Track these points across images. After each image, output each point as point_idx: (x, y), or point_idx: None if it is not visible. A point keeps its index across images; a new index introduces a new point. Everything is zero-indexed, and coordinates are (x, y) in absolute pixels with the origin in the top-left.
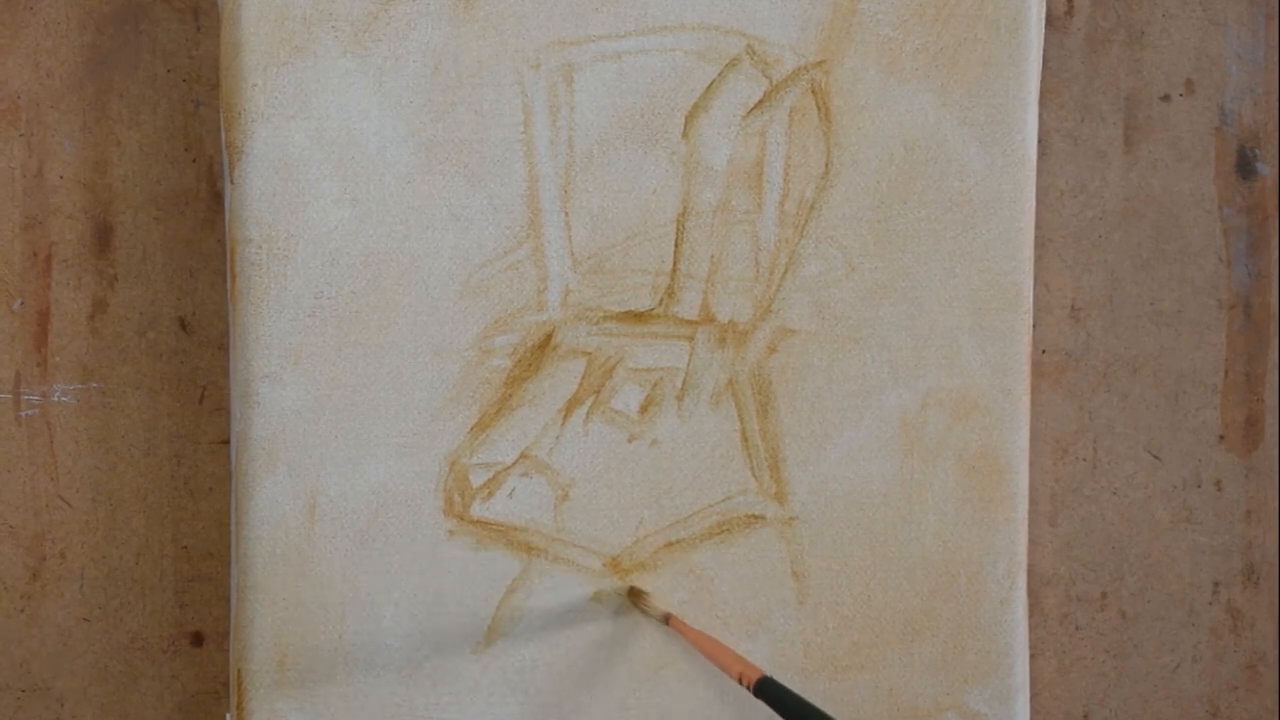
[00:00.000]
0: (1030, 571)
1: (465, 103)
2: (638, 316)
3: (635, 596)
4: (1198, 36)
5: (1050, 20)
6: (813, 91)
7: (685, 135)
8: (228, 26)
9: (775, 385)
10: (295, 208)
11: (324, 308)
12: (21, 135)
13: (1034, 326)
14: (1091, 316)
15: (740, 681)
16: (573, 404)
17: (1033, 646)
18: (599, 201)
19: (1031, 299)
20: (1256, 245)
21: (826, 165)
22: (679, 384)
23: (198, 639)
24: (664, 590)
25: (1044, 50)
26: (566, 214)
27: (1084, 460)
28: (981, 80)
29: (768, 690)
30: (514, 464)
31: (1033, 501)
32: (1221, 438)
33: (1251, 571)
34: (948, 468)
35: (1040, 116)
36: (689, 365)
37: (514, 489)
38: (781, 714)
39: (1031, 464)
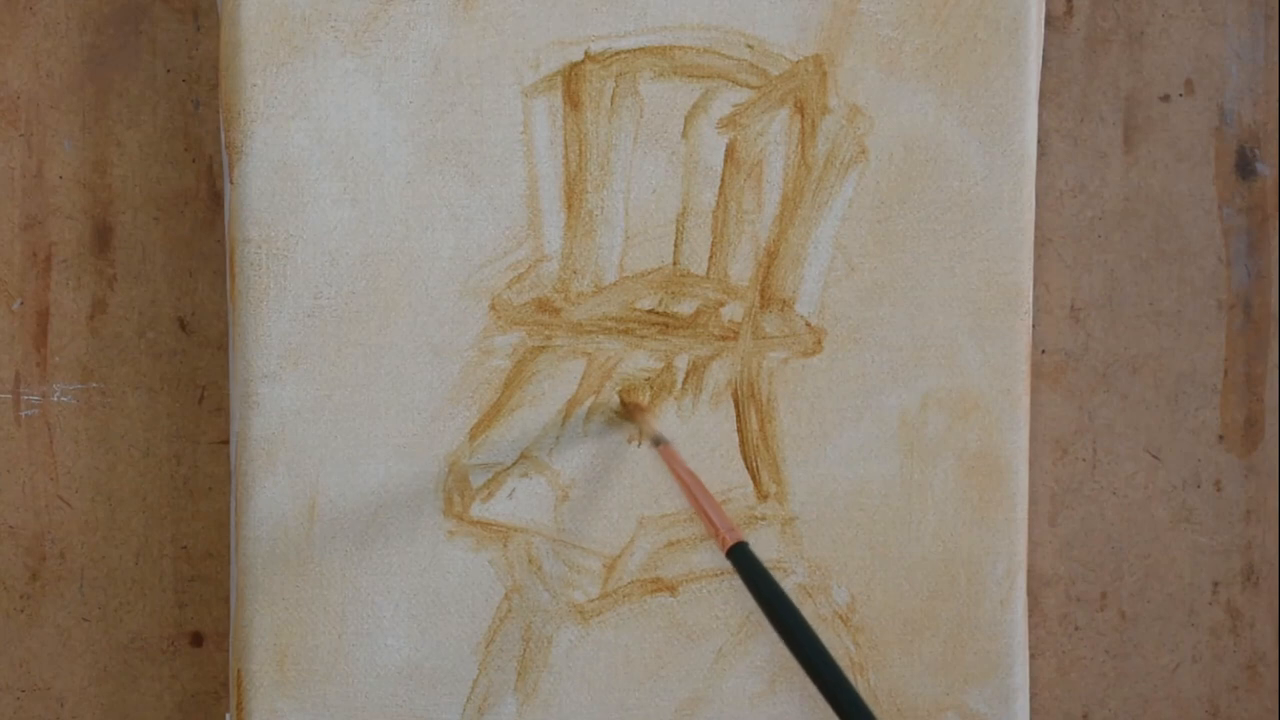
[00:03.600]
0: (1030, 571)
1: (465, 103)
2: (637, 317)
3: (631, 410)
4: (1198, 36)
5: (1050, 20)
6: (812, 91)
7: (685, 135)
8: (227, 26)
9: (775, 385)
10: (295, 208)
11: (323, 308)
12: (21, 135)
13: (1034, 326)
14: (1091, 316)
15: (716, 539)
16: (573, 405)
17: (1033, 646)
18: (599, 201)
19: (1031, 299)
20: (1256, 245)
21: (826, 165)
22: (679, 384)
23: (198, 639)
24: (664, 590)
25: (1044, 50)
26: (566, 214)
27: (1084, 460)
28: (981, 80)
29: (740, 557)
30: (514, 464)
31: (1033, 501)
32: (1221, 438)
33: (1251, 571)
34: (947, 468)
35: (1040, 116)
36: (688, 365)
37: (514, 489)
38: (747, 584)
39: (1031, 464)
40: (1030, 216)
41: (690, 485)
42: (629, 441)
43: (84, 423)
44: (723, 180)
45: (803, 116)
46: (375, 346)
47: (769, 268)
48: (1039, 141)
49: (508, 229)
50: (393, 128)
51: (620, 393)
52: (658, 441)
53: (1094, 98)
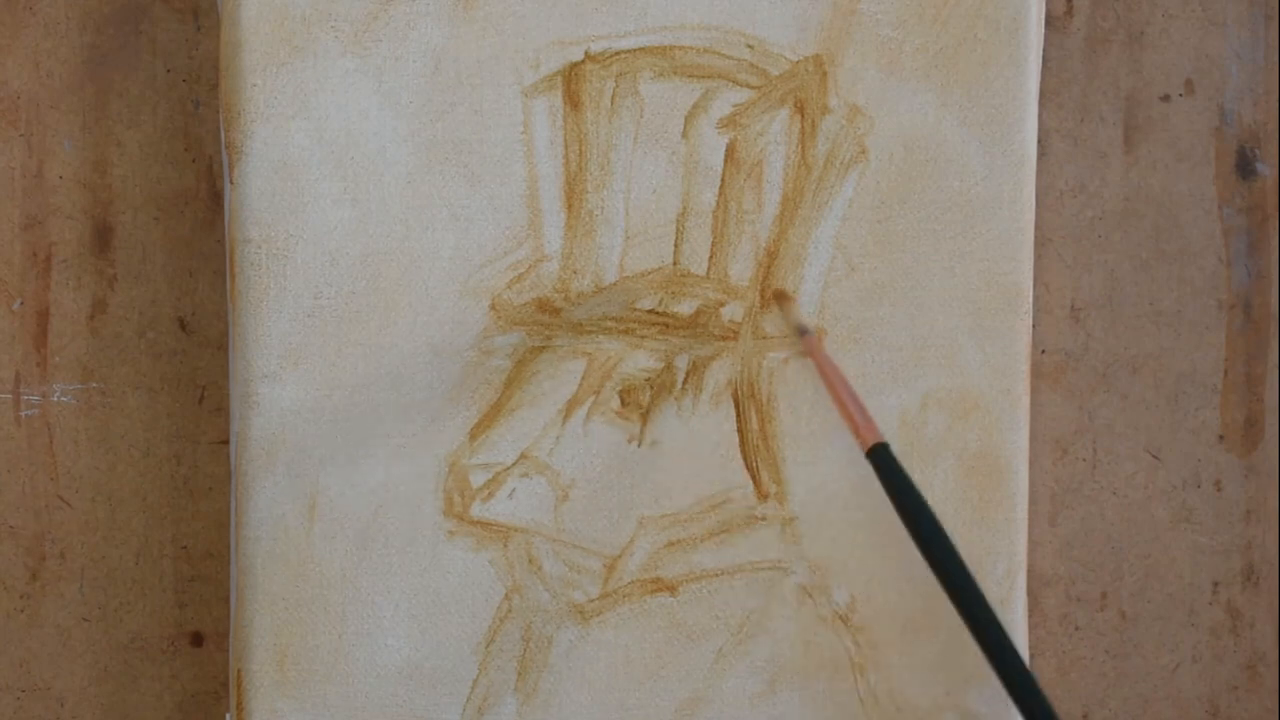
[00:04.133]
0: (1030, 571)
1: (465, 103)
2: (637, 317)
3: (781, 299)
4: (1198, 36)
5: (1050, 20)
6: (812, 91)
7: (685, 135)
8: (228, 26)
9: (775, 385)
10: (295, 208)
11: (324, 308)
12: (21, 135)
13: (1034, 326)
14: (1091, 316)
15: (856, 437)
16: (573, 405)
17: (1033, 646)
18: (599, 201)
19: (1031, 299)
20: (1256, 245)
21: (826, 165)
22: (679, 384)
23: (198, 639)
24: (664, 590)
25: (1044, 50)
26: (567, 214)
27: (1084, 460)
28: (981, 80)
29: (880, 457)
30: (514, 465)
31: (1033, 501)
32: (1221, 438)
33: (1251, 571)
34: (948, 468)
35: (1040, 116)
36: (688, 365)
37: (514, 490)
38: (885, 488)
39: (1031, 464)
40: (1030, 216)
41: (834, 380)
42: (629, 441)
43: (84, 423)
44: (723, 180)
45: (803, 116)
46: (375, 346)
47: (769, 268)
48: (1039, 141)
49: (508, 229)
50: (393, 128)
51: (774, 292)
52: (803, 331)
53: (1094, 98)
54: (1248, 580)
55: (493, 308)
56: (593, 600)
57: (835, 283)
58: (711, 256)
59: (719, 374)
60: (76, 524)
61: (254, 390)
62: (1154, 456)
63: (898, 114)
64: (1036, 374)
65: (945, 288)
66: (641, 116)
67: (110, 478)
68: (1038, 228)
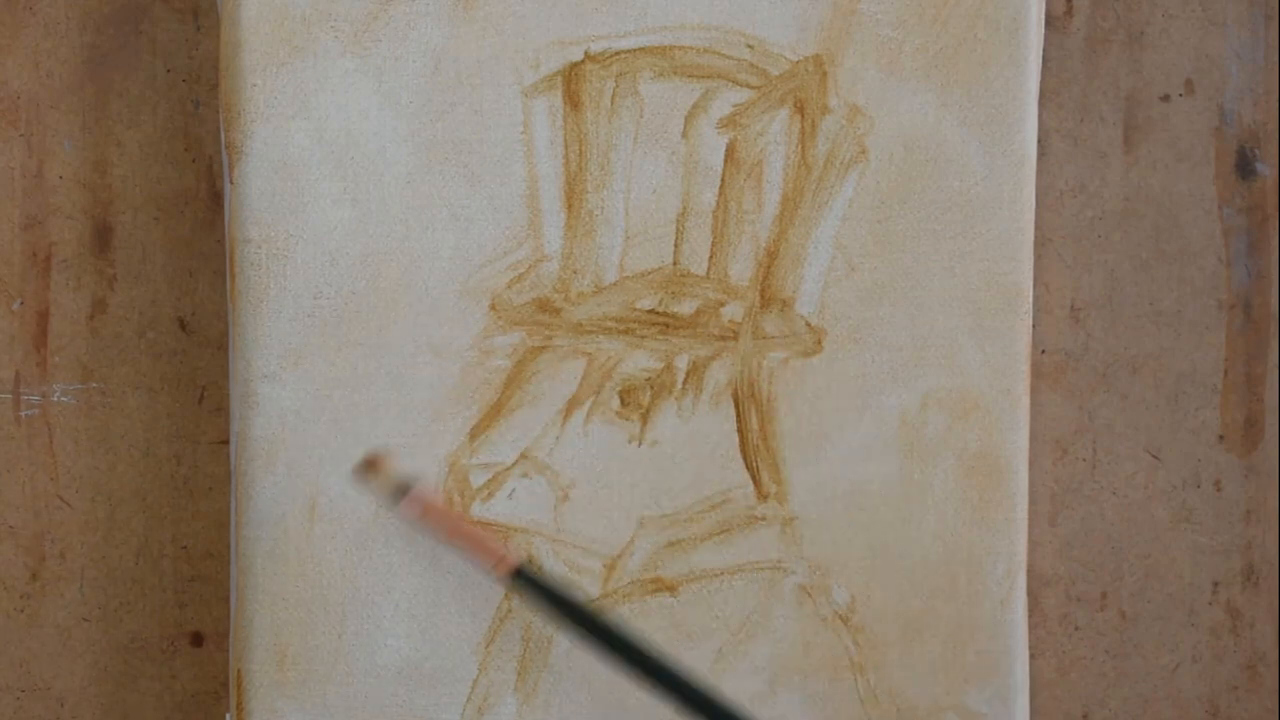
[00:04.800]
0: (1030, 571)
1: (465, 103)
2: (637, 317)
3: (370, 466)
4: (1198, 36)
5: (1050, 20)
6: (812, 91)
7: (685, 135)
8: (228, 26)
9: (775, 385)
10: (295, 208)
11: (323, 308)
12: (21, 135)
13: (1034, 326)
14: (1091, 316)
15: (494, 571)
16: (573, 405)
17: (1033, 646)
18: (599, 201)
19: (1031, 299)
20: (1256, 245)
21: (826, 165)
22: (679, 384)
23: (198, 639)
24: (664, 590)
25: (1044, 50)
26: (567, 214)
27: (1084, 460)
28: (981, 80)
29: (522, 580)
30: (514, 465)
31: (1033, 501)
32: (1221, 438)
33: (1251, 571)
34: (947, 468)
35: (1040, 116)
36: (688, 365)
37: (514, 490)
38: (536, 606)
39: (1031, 464)
40: (1030, 216)
41: (453, 524)
42: (629, 441)
43: (84, 423)
44: (723, 180)
45: (803, 116)
46: (375, 346)
47: (769, 268)
48: (1039, 141)
49: (508, 229)
50: (393, 128)
51: (366, 460)
52: (402, 490)
53: (1094, 98)
54: (1248, 580)
55: (493, 308)
56: (593, 600)
57: (835, 283)
58: (711, 256)
59: (719, 374)
60: (76, 524)
61: (254, 390)
62: (1154, 456)
63: (898, 114)
64: (1036, 374)
65: (945, 288)
66: (641, 116)
67: (110, 478)
68: (1038, 228)
